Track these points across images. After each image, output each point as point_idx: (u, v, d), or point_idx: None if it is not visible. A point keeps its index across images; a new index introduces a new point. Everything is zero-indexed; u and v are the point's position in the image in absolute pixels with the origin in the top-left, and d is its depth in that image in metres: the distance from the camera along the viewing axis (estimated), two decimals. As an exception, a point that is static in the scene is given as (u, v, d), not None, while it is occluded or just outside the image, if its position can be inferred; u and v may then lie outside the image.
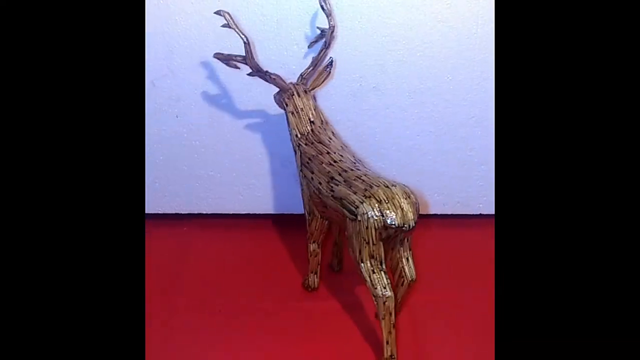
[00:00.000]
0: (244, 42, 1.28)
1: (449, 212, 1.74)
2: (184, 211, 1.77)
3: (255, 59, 1.35)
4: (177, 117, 1.61)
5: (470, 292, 1.43)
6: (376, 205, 1.12)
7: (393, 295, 1.15)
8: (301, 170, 1.34)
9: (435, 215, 1.74)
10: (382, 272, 1.15)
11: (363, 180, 1.16)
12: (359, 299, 1.40)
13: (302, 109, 1.33)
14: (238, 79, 1.55)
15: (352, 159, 1.27)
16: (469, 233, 1.69)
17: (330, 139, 1.32)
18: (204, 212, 1.77)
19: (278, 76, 1.37)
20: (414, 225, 1.12)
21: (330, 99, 1.58)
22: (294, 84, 1.37)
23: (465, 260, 1.58)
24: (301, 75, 1.40)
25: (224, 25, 1.27)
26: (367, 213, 1.12)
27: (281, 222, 1.75)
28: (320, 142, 1.30)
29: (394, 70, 1.54)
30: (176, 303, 1.41)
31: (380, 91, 1.57)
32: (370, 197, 1.12)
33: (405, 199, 1.12)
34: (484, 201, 1.71)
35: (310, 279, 1.44)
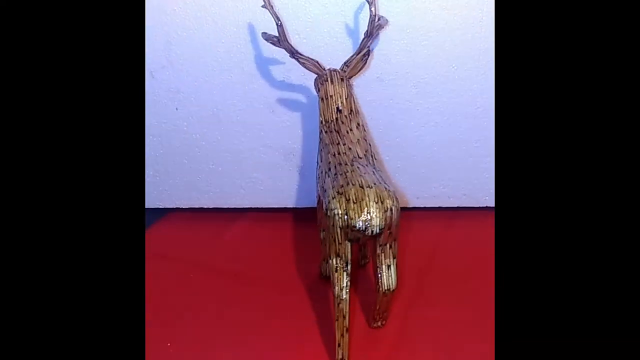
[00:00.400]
0: (277, 25, 1.28)
1: (455, 205, 1.71)
2: (184, 205, 1.74)
3: (289, 41, 1.33)
4: (176, 109, 1.59)
5: (473, 285, 1.40)
6: (344, 203, 1.08)
7: (348, 298, 1.11)
8: (317, 157, 1.32)
9: (440, 208, 1.71)
10: (345, 273, 1.11)
11: (346, 177, 1.13)
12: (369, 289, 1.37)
13: (331, 96, 1.30)
14: (239, 70, 1.53)
15: (360, 153, 1.23)
16: (475, 225, 1.66)
17: (350, 130, 1.28)
18: (205, 207, 1.74)
19: (313, 61, 1.35)
20: (378, 231, 1.07)
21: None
22: (331, 70, 1.34)
23: (470, 253, 1.55)
24: (345, 63, 1.37)
25: (263, 6, 1.29)
26: (333, 210, 1.09)
27: (285, 216, 1.72)
28: (337, 132, 1.27)
29: (398, 60, 1.51)
30: (179, 298, 1.39)
31: (384, 82, 1.54)
32: (342, 194, 1.09)
33: (377, 202, 1.07)
34: (490, 194, 1.68)
35: (322, 267, 1.42)
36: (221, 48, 1.50)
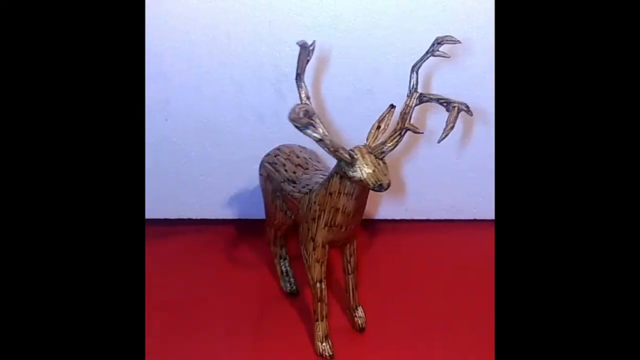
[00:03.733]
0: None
1: (448, 217, 1.74)
2: (172, 216, 1.73)
3: None
4: (166, 120, 1.58)
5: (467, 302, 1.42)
6: None
7: None
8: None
9: (436, 220, 1.75)
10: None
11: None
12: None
13: None
14: (229, 81, 1.53)
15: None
16: (466, 238, 1.69)
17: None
18: (193, 218, 1.73)
19: None
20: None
21: (325, 102, 1.55)
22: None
23: (465, 265, 1.57)
24: None
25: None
26: None
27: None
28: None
29: (389, 74, 1.52)
30: (166, 312, 1.38)
31: (374, 94, 1.54)
32: None
33: None
34: (478, 206, 1.70)
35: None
36: (212, 59, 1.50)
